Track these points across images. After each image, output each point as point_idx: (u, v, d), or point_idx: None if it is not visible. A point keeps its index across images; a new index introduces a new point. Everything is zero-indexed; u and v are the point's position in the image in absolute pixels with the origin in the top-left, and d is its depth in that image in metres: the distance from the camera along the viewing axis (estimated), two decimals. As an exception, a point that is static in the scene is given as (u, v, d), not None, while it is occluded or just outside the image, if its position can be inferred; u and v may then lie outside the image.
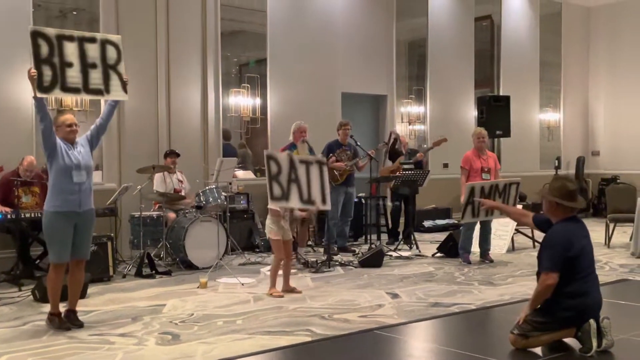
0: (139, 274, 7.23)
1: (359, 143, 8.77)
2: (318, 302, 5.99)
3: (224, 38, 9.60)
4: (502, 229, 9.15)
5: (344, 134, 8.85)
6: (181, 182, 8.44)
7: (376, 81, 11.40)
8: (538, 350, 4.42)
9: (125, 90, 5.32)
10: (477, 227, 8.23)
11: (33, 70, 4.85)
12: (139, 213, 7.60)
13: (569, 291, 4.28)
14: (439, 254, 8.63)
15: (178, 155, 8.49)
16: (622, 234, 9.72)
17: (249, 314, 5.54)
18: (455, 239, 8.43)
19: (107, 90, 5.21)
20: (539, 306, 4.44)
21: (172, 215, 8.04)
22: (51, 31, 5.00)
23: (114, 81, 5.23)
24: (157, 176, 8.13)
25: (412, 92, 11.99)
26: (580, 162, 13.99)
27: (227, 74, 9.82)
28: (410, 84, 12.03)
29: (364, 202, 10.10)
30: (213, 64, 9.45)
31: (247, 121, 9.90)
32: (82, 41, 5.09)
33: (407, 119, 11.88)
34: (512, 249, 9.21)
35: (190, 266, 7.66)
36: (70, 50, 5.01)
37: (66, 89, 5.02)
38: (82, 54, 5.07)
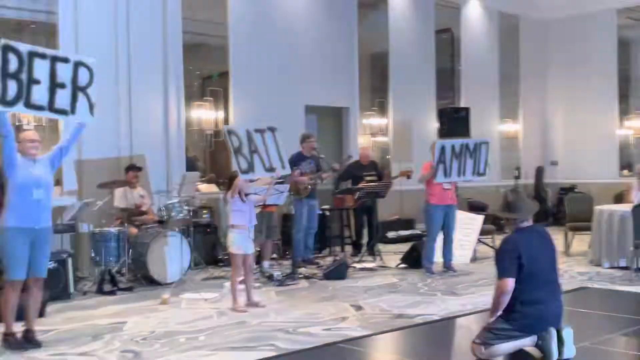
0: (100, 291, 7.11)
1: (322, 156, 8.78)
2: (282, 316, 5.96)
3: (186, 51, 9.54)
4: (465, 239, 9.24)
5: (309, 147, 8.85)
6: (143, 197, 8.33)
7: (339, 93, 11.45)
8: (500, 359, 4.46)
9: (92, 113, 5.22)
10: (440, 237, 8.30)
11: None
12: (99, 229, 7.48)
13: (525, 299, 4.35)
14: (402, 265, 8.67)
15: (140, 169, 8.38)
16: (580, 242, 9.89)
17: (212, 329, 5.49)
18: (419, 250, 8.49)
19: (73, 111, 5.11)
20: (500, 315, 4.49)
21: (134, 230, 7.93)
22: (24, 47, 4.86)
23: (81, 103, 5.13)
24: (118, 191, 8.02)
25: (375, 104, 12.08)
26: (539, 172, 14.24)
27: (189, 87, 9.76)
28: (373, 96, 12.12)
29: (327, 214, 10.11)
30: (175, 77, 9.38)
31: (210, 134, 9.84)
32: (54, 60, 4.98)
33: (370, 131, 11.96)
34: (475, 258, 9.30)
35: (152, 282, 7.55)
36: (41, 68, 4.90)
37: (30, 105, 4.89)
38: (52, 73, 4.96)
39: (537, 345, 4.42)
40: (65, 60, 5.07)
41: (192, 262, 8.22)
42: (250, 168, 6.30)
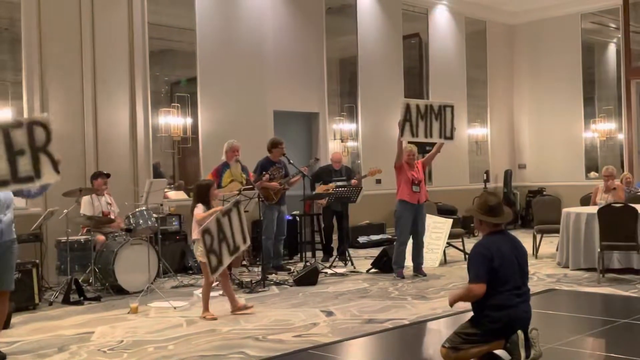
0: (66, 301, 6.99)
1: (291, 161, 8.76)
2: (252, 323, 5.92)
3: (152, 57, 9.45)
4: (435, 242, 9.29)
5: (279, 152, 8.82)
6: (110, 204, 8.22)
7: (308, 99, 11.46)
8: (469, 362, 4.48)
9: (57, 171, 5.00)
10: (410, 242, 8.33)
11: None
12: (65, 238, 7.36)
13: (494, 304, 4.37)
14: (373, 270, 8.69)
15: (108, 176, 8.26)
16: (548, 244, 10.01)
17: (181, 338, 5.42)
18: (389, 254, 8.51)
19: (38, 175, 4.88)
20: (469, 319, 4.51)
21: (101, 238, 7.82)
22: None
23: (44, 164, 4.90)
24: (85, 199, 7.90)
25: (344, 109, 12.10)
26: (508, 175, 14.41)
27: (156, 93, 9.66)
28: (342, 101, 12.14)
29: (298, 219, 10.08)
30: (141, 83, 9.28)
31: (177, 141, 9.75)
32: (7, 129, 4.77)
33: (340, 136, 11.97)
34: (445, 262, 9.36)
35: (120, 291, 7.45)
36: None
37: None
38: (9, 143, 4.75)
39: (505, 348, 4.44)
40: (18, 125, 4.85)
41: (161, 270, 8.14)
42: (219, 262, 6.05)
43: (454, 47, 13.96)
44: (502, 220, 4.58)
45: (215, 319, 6.08)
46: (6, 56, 8.19)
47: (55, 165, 4.95)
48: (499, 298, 4.36)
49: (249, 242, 6.59)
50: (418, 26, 13.39)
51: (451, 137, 8.24)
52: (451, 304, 4.53)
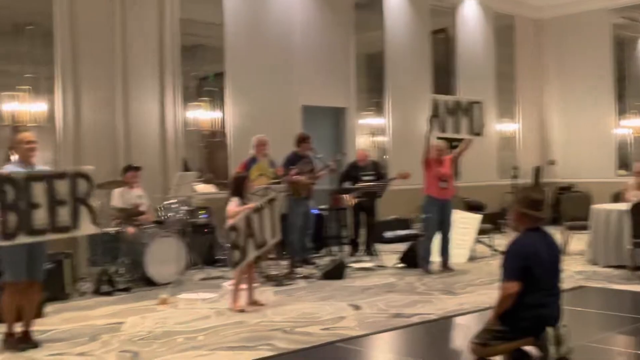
0: (97, 292, 7.11)
1: (319, 155, 8.78)
2: (280, 315, 5.96)
3: (182, 52, 9.54)
4: (462, 238, 9.25)
5: (306, 147, 8.84)
6: (140, 197, 8.31)
7: (336, 94, 11.47)
8: (498, 358, 4.46)
9: (96, 222, 5.12)
10: (437, 237, 8.32)
11: None
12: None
13: (527, 302, 4.31)
14: (400, 265, 8.68)
15: (139, 169, 8.37)
16: (578, 241, 9.91)
17: (210, 329, 5.49)
18: (416, 250, 8.50)
19: (76, 226, 4.99)
20: (499, 316, 4.48)
21: (131, 230, 7.92)
22: (19, 174, 4.77)
23: (84, 216, 5.00)
24: (116, 192, 8.01)
25: (372, 104, 12.08)
26: (537, 172, 14.25)
27: (185, 87, 9.75)
28: (370, 96, 12.12)
29: (324, 214, 10.11)
30: (171, 78, 9.38)
31: (206, 135, 9.84)
32: (51, 179, 4.87)
33: (368, 131, 11.96)
34: (472, 258, 9.31)
35: (150, 282, 7.55)
36: (38, 190, 4.78)
37: (32, 232, 4.78)
38: (51, 193, 4.84)
39: (534, 344, 4.42)
40: (61, 176, 4.94)
41: (190, 262, 8.22)
42: (243, 257, 6.15)
43: (482, 42, 13.85)
44: (544, 215, 4.53)
45: (243, 310, 6.13)
46: (40, 50, 8.32)
47: (94, 216, 5.05)
48: (531, 297, 4.31)
49: (278, 237, 6.65)
50: (446, 21, 13.30)
51: (480, 133, 8.25)
52: (494, 320, 4.47)
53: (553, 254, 4.48)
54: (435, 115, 7.85)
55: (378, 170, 10.00)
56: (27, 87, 8.11)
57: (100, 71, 8.69)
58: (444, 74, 13.28)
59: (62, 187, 4.89)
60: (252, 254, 6.28)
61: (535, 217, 4.46)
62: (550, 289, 4.39)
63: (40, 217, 4.78)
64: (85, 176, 5.04)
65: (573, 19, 14.31)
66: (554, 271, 4.46)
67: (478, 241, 9.71)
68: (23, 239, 4.76)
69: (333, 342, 5.02)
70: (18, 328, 5.09)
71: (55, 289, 6.74)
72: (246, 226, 6.16)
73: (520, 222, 4.51)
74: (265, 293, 7.00)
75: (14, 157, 5.13)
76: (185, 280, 7.37)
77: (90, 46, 8.57)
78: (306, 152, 8.89)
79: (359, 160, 10.06)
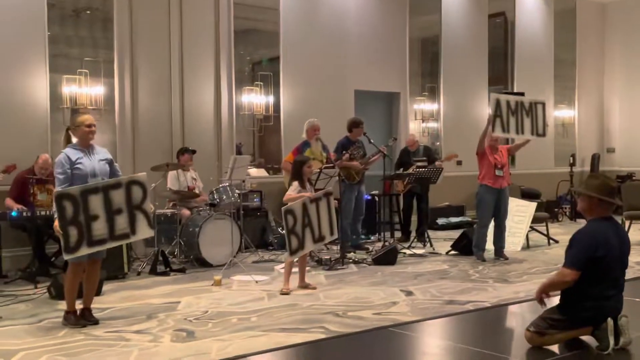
0: (153, 272, 7.26)
1: (372, 140, 8.73)
2: (332, 299, 5.98)
3: (237, 36, 9.61)
4: (517, 226, 9.09)
5: (359, 132, 8.81)
6: (195, 179, 8.46)
7: (389, 78, 11.37)
8: (554, 347, 4.39)
9: (151, 225, 5.23)
10: (492, 225, 8.20)
11: (59, 230, 4.80)
12: (153, 211, 7.59)
13: (592, 293, 4.20)
14: (452, 252, 8.59)
15: (194, 152, 8.51)
16: (638, 232, 9.63)
17: (263, 311, 5.54)
18: (470, 237, 8.39)
19: (133, 232, 5.10)
20: (558, 304, 4.40)
21: (186, 212, 8.06)
22: (75, 190, 4.86)
23: (140, 221, 5.10)
24: (171, 174, 8.15)
25: (426, 89, 11.95)
26: (596, 159, 13.89)
27: (240, 72, 9.82)
28: (424, 81, 11.99)
29: (376, 199, 10.07)
30: (226, 62, 9.46)
31: (260, 119, 9.90)
32: (106, 190, 4.96)
33: (421, 116, 11.84)
34: (527, 246, 9.15)
35: (204, 264, 7.67)
36: (95, 203, 4.88)
37: (92, 243, 4.90)
38: (108, 203, 4.94)
39: (593, 335, 4.32)
40: (117, 186, 5.02)
41: (243, 245, 8.32)
42: (300, 246, 6.12)
43: (541, 26, 13.50)
44: (619, 202, 4.41)
45: (288, 293, 6.17)
46: (99, 34, 8.50)
47: (149, 221, 5.17)
48: (596, 288, 4.21)
49: (336, 234, 6.66)
50: (504, 5, 13.02)
51: (543, 134, 8.16)
52: (540, 297, 4.39)
53: (623, 247, 4.34)
54: (497, 114, 7.69)
55: (430, 155, 9.91)
56: (87, 70, 8.30)
57: (157, 55, 8.82)
58: (501, 59, 13.02)
59: (118, 197, 4.99)
60: (309, 246, 6.29)
61: (612, 204, 4.33)
62: (615, 281, 4.27)
63: (99, 227, 4.90)
64: (139, 183, 5.13)
65: (638, 1, 13.79)
66: (622, 264, 4.34)
67: (533, 229, 9.53)
68: (84, 251, 4.89)
69: (386, 327, 5.00)
70: (78, 305, 5.23)
71: (113, 268, 6.92)
72: (303, 214, 6.18)
73: (594, 210, 4.36)
74: (317, 277, 7.03)
75: (74, 139, 5.22)
76: (238, 262, 7.45)
77: (147, 31, 8.70)
78: (358, 137, 8.85)
79: (408, 145, 9.99)
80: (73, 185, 4.97)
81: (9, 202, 7.20)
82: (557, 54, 13.74)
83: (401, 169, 9.70)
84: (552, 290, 4.35)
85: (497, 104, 7.73)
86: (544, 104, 8.10)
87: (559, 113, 13.88)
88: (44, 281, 6.62)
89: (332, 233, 6.48)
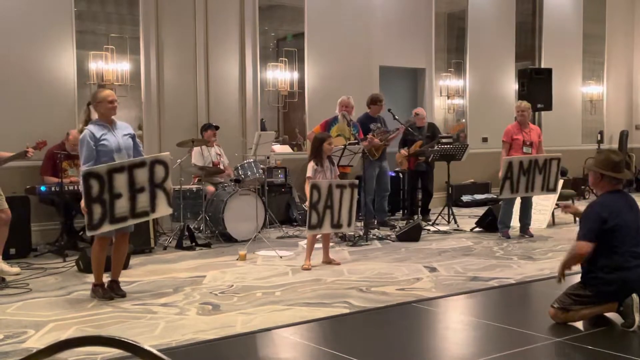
0: (179, 246, 7.35)
1: (396, 116, 8.68)
2: (356, 275, 6.01)
3: (261, 12, 9.58)
4: (543, 203, 9.02)
5: (378, 109, 8.76)
6: (219, 155, 8.51)
7: (414, 54, 11.27)
8: (579, 324, 4.38)
9: (170, 204, 5.30)
10: (518, 201, 8.14)
11: (84, 208, 4.87)
12: (179, 186, 7.69)
13: (609, 265, 4.22)
14: (477, 229, 8.57)
15: (218, 128, 8.54)
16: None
17: (287, 286, 5.59)
18: (495, 214, 8.35)
19: (153, 210, 5.18)
20: (580, 280, 4.39)
21: (211, 188, 8.13)
22: (102, 168, 4.90)
23: (160, 199, 5.18)
24: (196, 150, 8.21)
25: (451, 65, 11.83)
26: (624, 136, 13.68)
27: (264, 48, 9.81)
28: (449, 56, 11.86)
29: (401, 176, 10.04)
30: (251, 38, 9.45)
31: (284, 95, 9.90)
32: (131, 169, 5.01)
33: (446, 93, 11.74)
34: (553, 223, 9.09)
35: (229, 239, 7.75)
36: (120, 182, 4.94)
37: (114, 220, 4.97)
38: (131, 182, 5.00)
39: (618, 311, 4.30)
40: (142, 164, 5.07)
41: (267, 220, 8.37)
42: (319, 224, 6.23)
43: (570, 0, 13.25)
44: (624, 176, 4.40)
45: (309, 269, 6.21)
46: (125, 10, 8.54)
47: (169, 199, 5.26)
48: (614, 259, 4.22)
49: (353, 228, 6.73)
50: (532, -22, 12.80)
51: (554, 190, 7.94)
52: (562, 274, 4.40)
53: (636, 216, 4.35)
54: (507, 177, 7.52)
55: (435, 133, 9.70)
56: (113, 46, 8.35)
57: (183, 31, 8.84)
58: (528, 34, 12.82)
59: (142, 175, 5.07)
60: (326, 228, 6.35)
61: (615, 178, 4.36)
62: (633, 251, 4.26)
63: (121, 205, 4.98)
64: (163, 162, 5.21)
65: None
66: (637, 234, 4.33)
67: (559, 207, 9.41)
68: (107, 228, 4.98)
69: (410, 302, 5.02)
70: (106, 278, 5.32)
71: (140, 242, 7.01)
72: (328, 194, 6.21)
73: (600, 185, 4.42)
74: (341, 253, 7.06)
75: (94, 115, 5.25)
76: (262, 238, 7.51)
77: (173, 7, 8.71)
78: (378, 114, 8.81)
79: (417, 120, 9.82)
80: (98, 161, 5.03)
81: (47, 178, 7.35)
82: (586, 29, 13.48)
83: (405, 147, 9.56)
84: (571, 265, 4.37)
85: (509, 166, 7.52)
86: (559, 159, 7.87)
87: (587, 89, 13.67)
88: (72, 254, 6.75)
89: (349, 224, 6.53)
